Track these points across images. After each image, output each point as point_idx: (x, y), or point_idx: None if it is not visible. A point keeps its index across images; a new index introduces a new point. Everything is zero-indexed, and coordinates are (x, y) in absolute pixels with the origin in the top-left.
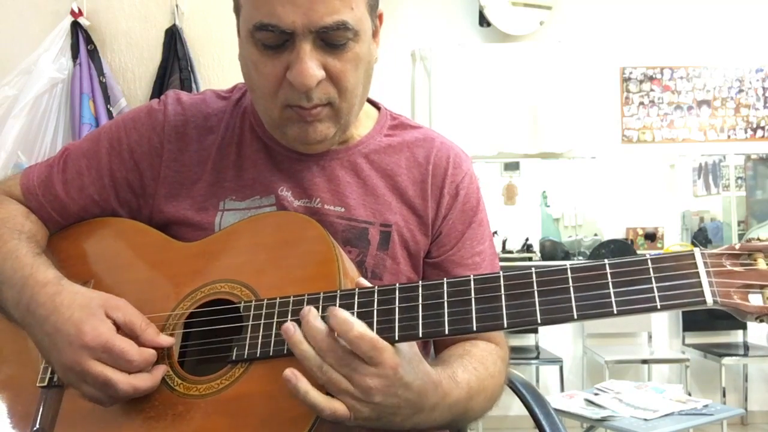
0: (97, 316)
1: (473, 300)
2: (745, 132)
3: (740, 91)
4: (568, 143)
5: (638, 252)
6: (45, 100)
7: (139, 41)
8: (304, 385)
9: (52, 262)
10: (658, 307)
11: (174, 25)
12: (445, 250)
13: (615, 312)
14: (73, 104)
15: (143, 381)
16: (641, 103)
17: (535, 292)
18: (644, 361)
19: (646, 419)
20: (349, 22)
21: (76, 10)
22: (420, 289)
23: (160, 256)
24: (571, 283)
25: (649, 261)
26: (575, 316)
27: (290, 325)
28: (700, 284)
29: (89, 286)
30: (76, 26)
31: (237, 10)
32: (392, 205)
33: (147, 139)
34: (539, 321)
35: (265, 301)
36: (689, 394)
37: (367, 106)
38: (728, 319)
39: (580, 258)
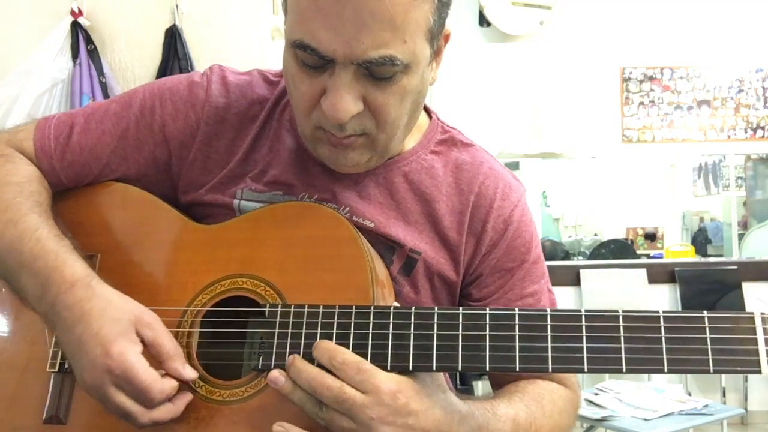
0: (126, 335)
1: (517, 337)
2: (745, 132)
3: (740, 91)
4: (568, 143)
5: (638, 252)
6: (45, 100)
7: (139, 41)
8: None
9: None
10: (711, 371)
11: (174, 25)
12: (489, 291)
13: (666, 370)
14: (73, 104)
15: (164, 414)
16: (641, 103)
17: (584, 338)
18: None
19: (646, 419)
20: (398, 57)
21: (76, 10)
22: (461, 317)
23: (175, 237)
24: (622, 333)
25: (706, 319)
26: (624, 369)
27: (277, 374)
28: (757, 352)
29: (95, 260)
30: (76, 26)
31: (285, 11)
32: (424, 233)
33: (183, 114)
34: (585, 369)
35: (293, 309)
36: (689, 394)
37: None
38: None
39: (580, 258)
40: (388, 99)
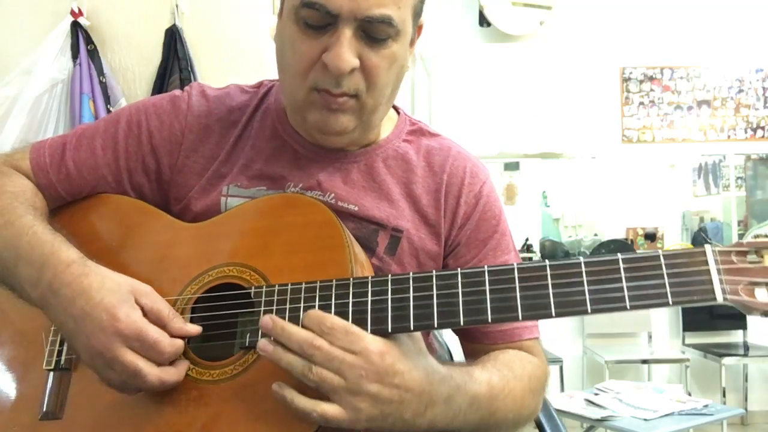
0: (128, 302)
1: (488, 291)
2: (745, 132)
3: (740, 91)
4: (568, 143)
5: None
6: (45, 100)
7: (139, 41)
8: (288, 392)
9: None
10: (670, 302)
11: (174, 25)
12: (465, 260)
13: (628, 306)
14: (73, 104)
15: (170, 375)
16: (641, 103)
17: (549, 285)
18: (644, 361)
19: (646, 419)
20: (394, 19)
21: (76, 10)
22: (434, 279)
23: (165, 237)
24: (585, 277)
25: (661, 257)
26: (589, 310)
27: (265, 342)
28: (711, 281)
29: None
30: (76, 26)
31: None
32: (405, 212)
33: (168, 125)
34: (553, 313)
35: (277, 288)
36: (689, 394)
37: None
38: (728, 318)
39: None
40: (381, 62)
